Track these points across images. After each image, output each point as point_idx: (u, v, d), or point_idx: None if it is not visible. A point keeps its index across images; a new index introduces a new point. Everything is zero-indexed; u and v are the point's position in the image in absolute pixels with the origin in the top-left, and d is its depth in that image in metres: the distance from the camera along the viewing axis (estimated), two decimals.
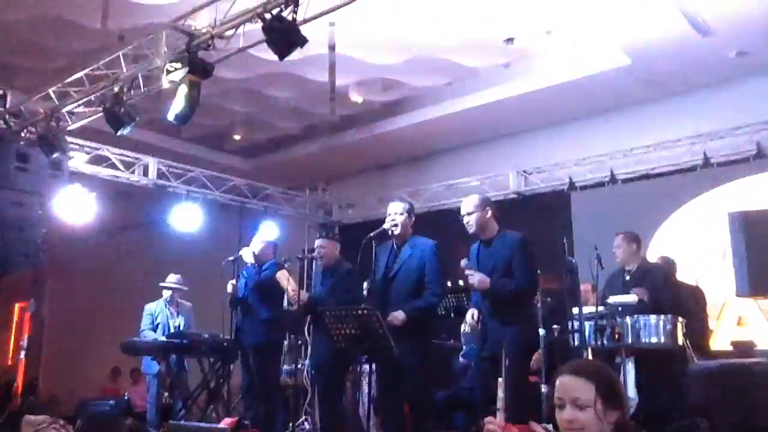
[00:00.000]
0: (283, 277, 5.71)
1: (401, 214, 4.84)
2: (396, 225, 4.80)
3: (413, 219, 4.89)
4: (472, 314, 4.61)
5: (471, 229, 4.46)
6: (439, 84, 8.76)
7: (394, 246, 4.89)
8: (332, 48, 7.12)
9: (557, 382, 2.11)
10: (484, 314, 4.47)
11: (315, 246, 5.73)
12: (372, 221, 9.98)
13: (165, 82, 5.44)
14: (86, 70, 6.38)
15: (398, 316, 4.55)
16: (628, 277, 5.44)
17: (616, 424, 2.06)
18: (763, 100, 7.22)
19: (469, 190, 9.02)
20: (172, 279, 7.07)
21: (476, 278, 4.29)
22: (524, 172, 8.90)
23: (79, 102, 6.53)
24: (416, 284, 4.67)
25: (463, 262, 4.43)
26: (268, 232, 6.22)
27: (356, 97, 9.18)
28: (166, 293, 7.14)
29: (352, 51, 7.63)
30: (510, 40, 7.40)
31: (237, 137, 10.74)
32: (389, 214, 4.89)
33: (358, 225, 10.38)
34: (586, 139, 8.42)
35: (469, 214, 4.48)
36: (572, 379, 2.08)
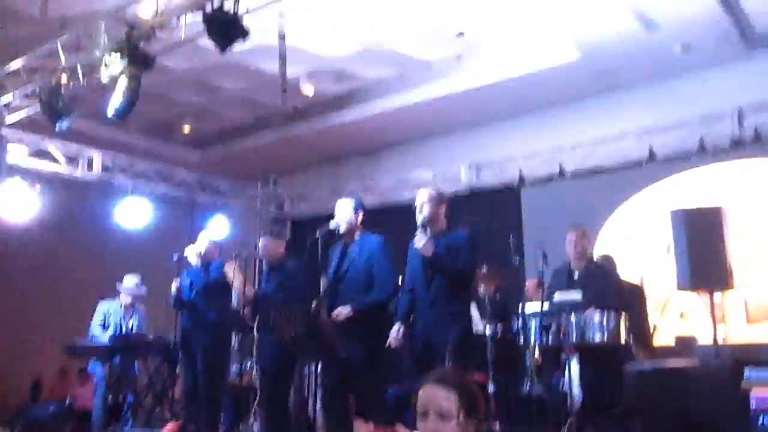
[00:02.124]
0: (230, 269, 5.61)
1: (344, 209, 4.82)
2: (340, 221, 4.80)
3: (361, 215, 4.85)
4: (397, 330, 4.54)
5: (422, 218, 4.47)
6: (391, 76, 8.71)
7: (344, 245, 4.87)
8: (282, 38, 7.00)
9: (421, 392, 2.11)
10: (420, 303, 4.45)
11: (259, 245, 5.62)
12: (324, 215, 9.93)
13: (104, 75, 5.27)
14: (22, 60, 6.15)
15: (342, 310, 4.56)
16: (576, 276, 5.46)
17: None
18: (707, 94, 7.34)
19: (421, 183, 8.99)
20: (130, 282, 6.86)
21: (422, 241, 4.32)
22: (476, 165, 8.90)
23: (15, 94, 6.29)
24: (366, 282, 4.66)
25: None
26: (214, 230, 6.11)
27: (308, 89, 9.06)
28: (125, 298, 6.92)
29: (303, 42, 7.52)
30: (461, 34, 7.38)
31: (186, 128, 10.51)
32: (336, 213, 4.85)
33: (309, 220, 10.30)
34: (537, 133, 8.47)
35: (426, 203, 4.52)
36: (435, 388, 2.09)
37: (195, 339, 5.71)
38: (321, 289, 4.99)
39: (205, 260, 5.84)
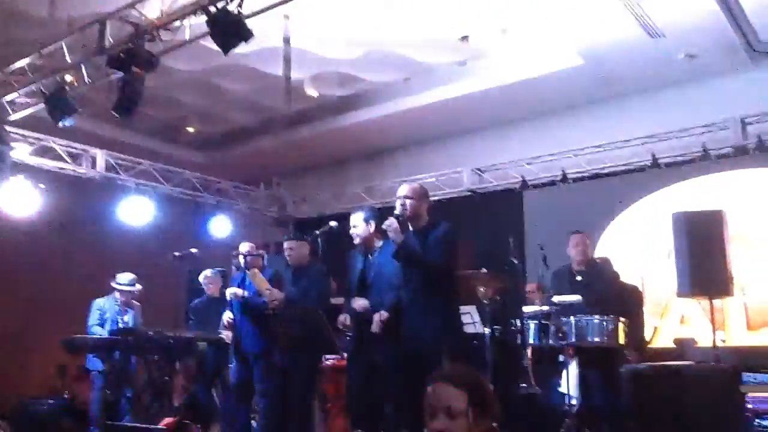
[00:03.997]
0: (255, 276, 5.66)
1: (357, 226, 4.88)
2: (357, 237, 4.87)
3: (373, 225, 4.87)
4: (380, 314, 4.51)
5: (404, 213, 4.35)
6: (396, 80, 8.74)
7: (365, 254, 4.93)
8: (287, 41, 7.05)
9: (429, 390, 2.06)
10: (403, 299, 4.40)
11: (284, 247, 5.71)
12: (326, 216, 9.99)
13: (108, 75, 5.32)
14: (28, 59, 6.19)
15: (360, 302, 4.65)
16: (579, 278, 5.46)
17: None
18: (710, 102, 7.35)
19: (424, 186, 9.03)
20: (124, 279, 6.87)
21: (392, 227, 4.23)
22: (478, 170, 8.93)
23: (21, 92, 6.34)
24: (390, 291, 4.63)
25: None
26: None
27: (312, 92, 9.10)
28: (118, 294, 6.94)
29: (308, 44, 7.55)
30: (465, 38, 7.40)
31: (190, 130, 10.56)
32: (351, 226, 4.93)
33: (312, 220, 10.34)
34: (539, 138, 8.49)
35: (406, 198, 4.42)
36: (445, 387, 2.04)
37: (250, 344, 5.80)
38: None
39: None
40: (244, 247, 6.13)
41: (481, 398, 2.03)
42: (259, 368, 5.76)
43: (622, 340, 4.89)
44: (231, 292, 5.80)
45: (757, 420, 4.92)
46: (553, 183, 8.12)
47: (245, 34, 4.79)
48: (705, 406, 3.39)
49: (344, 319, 4.80)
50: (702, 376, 3.45)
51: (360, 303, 4.66)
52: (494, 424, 2.10)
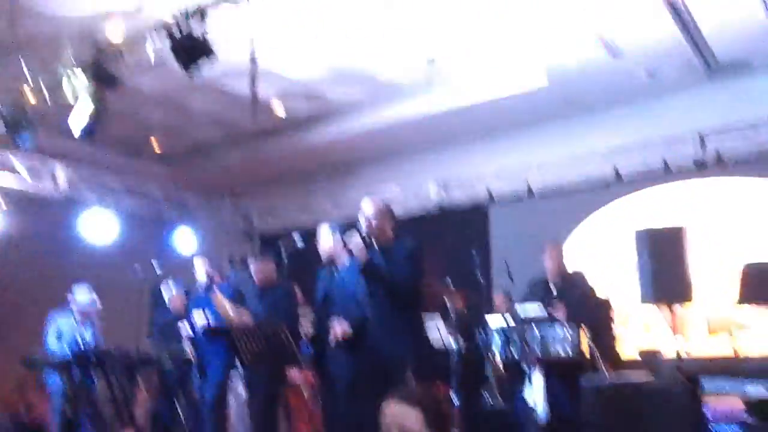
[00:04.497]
0: (218, 301, 5.60)
1: (327, 240, 4.91)
2: (326, 252, 4.91)
3: (341, 240, 4.84)
4: (342, 327, 4.51)
5: (369, 231, 4.33)
6: (361, 97, 8.77)
7: (333, 268, 4.95)
8: (253, 61, 7.04)
9: (385, 410, 2.04)
10: (369, 317, 4.39)
11: (252, 270, 5.69)
12: (293, 229, 9.92)
13: (69, 94, 5.24)
14: None
15: (338, 331, 4.57)
16: (554, 290, 5.50)
17: None
18: (670, 117, 7.52)
19: (390, 201, 8.99)
20: (81, 295, 6.72)
21: (358, 246, 4.19)
22: (444, 184, 8.97)
23: None
24: (354, 306, 4.61)
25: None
26: (200, 260, 6.15)
27: (279, 110, 9.09)
28: (77, 310, 6.79)
29: (274, 63, 7.54)
30: (432, 61, 7.46)
31: (155, 144, 10.44)
32: (319, 242, 4.96)
33: (278, 233, 10.25)
34: (505, 152, 8.57)
35: (371, 216, 4.42)
36: (400, 406, 2.03)
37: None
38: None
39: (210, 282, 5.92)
40: (199, 262, 6.06)
41: (436, 417, 2.02)
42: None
43: (586, 350, 4.94)
44: (199, 321, 5.70)
45: (714, 428, 4.98)
46: (518, 197, 8.19)
47: (207, 51, 4.77)
48: (664, 418, 3.42)
49: (308, 328, 4.91)
50: (661, 390, 3.49)
51: (343, 328, 4.59)
52: None
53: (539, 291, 5.54)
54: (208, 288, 5.84)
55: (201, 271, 6.02)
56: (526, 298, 5.43)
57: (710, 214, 6.92)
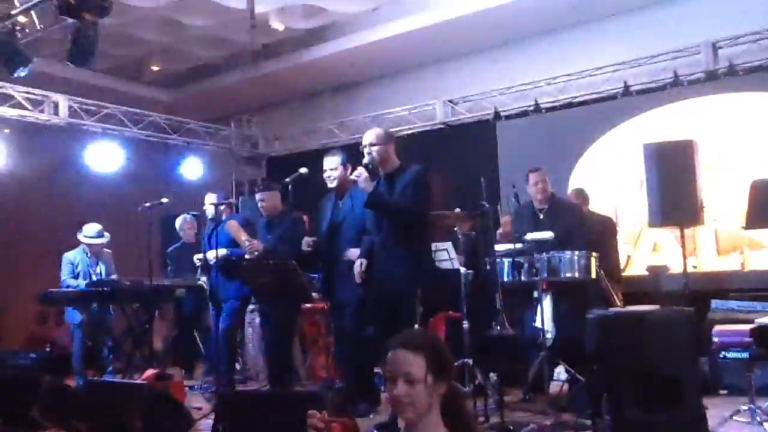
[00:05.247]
0: (233, 227, 5.62)
1: (335, 168, 4.88)
2: (333, 179, 4.88)
3: (350, 169, 4.83)
4: (359, 265, 4.54)
5: (373, 161, 4.31)
6: (364, 10, 8.51)
7: (336, 198, 4.97)
8: None
9: (388, 356, 2.09)
10: (376, 245, 4.41)
11: (257, 199, 5.70)
12: (299, 153, 9.91)
13: (56, 21, 5.08)
14: None
15: (351, 253, 4.68)
16: (541, 216, 5.46)
17: (444, 396, 2.09)
18: (681, 26, 7.25)
19: (396, 120, 8.96)
20: (91, 231, 6.75)
21: (362, 177, 4.19)
22: (450, 101, 8.82)
23: None
24: (361, 233, 4.69)
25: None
26: (211, 196, 6.12)
27: (277, 25, 8.85)
28: (87, 247, 6.85)
29: None
30: None
31: (154, 68, 10.27)
32: (325, 170, 4.92)
33: (285, 157, 10.24)
34: (511, 67, 8.36)
35: (372, 145, 4.35)
36: (403, 353, 2.07)
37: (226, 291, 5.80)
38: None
39: (218, 217, 5.91)
40: (210, 198, 6.07)
41: (438, 362, 2.07)
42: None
43: (594, 274, 4.96)
44: (210, 255, 5.74)
45: (723, 353, 5.07)
46: (525, 113, 8.05)
47: None
48: (668, 350, 3.46)
49: (310, 241, 4.95)
50: (666, 320, 3.50)
51: (352, 254, 4.66)
52: (452, 383, 2.16)
53: (526, 219, 5.46)
54: (219, 222, 5.84)
55: (210, 205, 6.01)
56: (515, 227, 5.37)
57: (721, 129, 6.75)
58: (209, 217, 6.07)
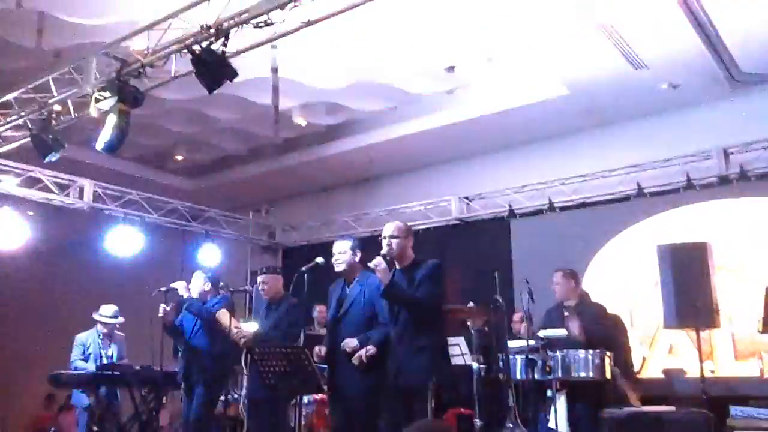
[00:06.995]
0: (224, 316, 5.63)
1: (344, 252, 4.89)
2: (341, 264, 4.87)
3: (359, 255, 4.88)
4: (366, 350, 4.52)
5: (391, 253, 4.39)
6: (383, 109, 8.80)
7: (345, 283, 4.95)
8: (275, 71, 7.09)
9: None
10: (393, 338, 4.40)
11: (258, 282, 5.69)
12: (315, 244, 10.02)
13: (93, 111, 5.32)
14: (15, 93, 6.20)
15: (350, 342, 4.60)
16: (567, 313, 5.46)
17: None
18: (693, 132, 7.43)
19: (412, 215, 9.09)
20: (107, 312, 6.80)
21: (380, 267, 4.24)
22: (466, 198, 8.97)
23: (7, 125, 6.34)
24: (367, 321, 4.69)
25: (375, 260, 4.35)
26: (206, 268, 6.15)
27: (300, 120, 9.15)
28: (101, 326, 6.89)
29: (296, 74, 7.59)
30: (451, 68, 7.47)
31: (179, 157, 10.58)
32: (334, 254, 4.94)
33: (301, 247, 10.35)
34: (526, 166, 8.54)
35: (392, 237, 4.43)
36: None
37: (196, 373, 5.71)
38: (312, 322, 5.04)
39: (203, 298, 5.89)
40: (198, 276, 6.08)
41: None
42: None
43: (609, 374, 4.90)
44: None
45: None
46: (540, 212, 8.15)
47: (230, 74, 4.81)
48: None
49: (319, 350, 4.84)
50: (682, 421, 3.44)
51: (350, 344, 4.63)
52: None
53: (554, 316, 5.47)
54: (200, 303, 5.85)
55: (197, 285, 5.99)
56: (543, 325, 5.38)
57: (735, 231, 6.80)
58: (190, 295, 6.02)
